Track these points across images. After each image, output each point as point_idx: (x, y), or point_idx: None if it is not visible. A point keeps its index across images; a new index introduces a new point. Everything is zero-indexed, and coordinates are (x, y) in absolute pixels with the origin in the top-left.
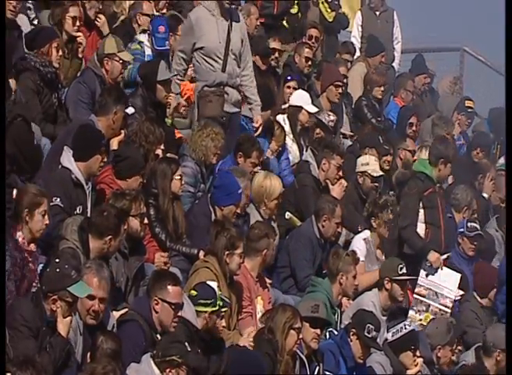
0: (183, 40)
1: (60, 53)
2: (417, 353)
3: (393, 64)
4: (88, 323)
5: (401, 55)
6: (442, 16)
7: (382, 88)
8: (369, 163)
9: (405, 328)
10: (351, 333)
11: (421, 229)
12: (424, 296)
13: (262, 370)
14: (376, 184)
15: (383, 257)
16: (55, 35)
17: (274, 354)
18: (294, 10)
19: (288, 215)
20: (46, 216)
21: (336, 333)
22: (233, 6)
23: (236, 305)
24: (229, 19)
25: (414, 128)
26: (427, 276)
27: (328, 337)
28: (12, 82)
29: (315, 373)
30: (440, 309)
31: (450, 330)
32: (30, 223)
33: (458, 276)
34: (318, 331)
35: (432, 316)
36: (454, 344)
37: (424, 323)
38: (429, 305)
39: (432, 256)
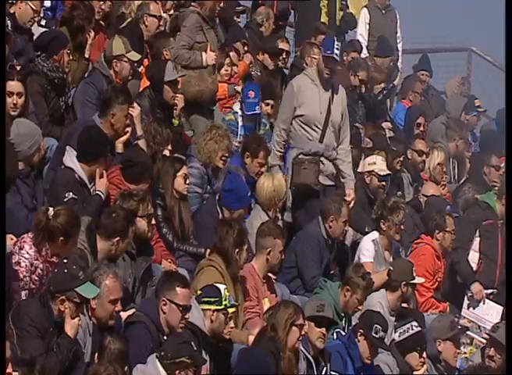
0: (285, 108)
1: (70, 57)
2: (424, 354)
3: (397, 63)
4: (109, 324)
5: (409, 56)
6: (449, 16)
7: (382, 85)
8: (376, 162)
9: (412, 329)
10: (358, 333)
11: (474, 257)
12: (467, 328)
13: (268, 370)
14: (383, 183)
15: (391, 259)
16: (67, 41)
17: (277, 352)
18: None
19: None
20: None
21: (343, 333)
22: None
23: (241, 303)
24: (331, 90)
25: (421, 128)
26: (468, 307)
27: (335, 337)
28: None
29: (323, 373)
30: (483, 343)
31: (453, 328)
32: (63, 248)
33: (500, 309)
34: (324, 330)
35: (475, 350)
36: (458, 344)
37: (469, 357)
38: (473, 338)
39: (475, 288)
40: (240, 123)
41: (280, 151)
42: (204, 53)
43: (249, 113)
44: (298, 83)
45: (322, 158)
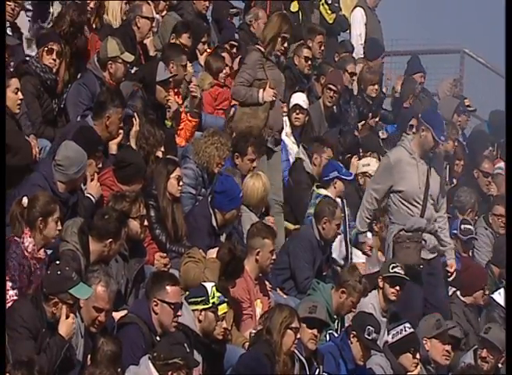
0: (380, 179)
1: (58, 58)
2: (417, 355)
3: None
4: (91, 331)
5: (401, 58)
6: (441, 18)
7: (376, 86)
8: (370, 164)
9: (405, 330)
10: (351, 335)
11: None
12: None
13: (265, 371)
14: None
15: (383, 259)
16: (49, 41)
17: (272, 355)
18: (294, 8)
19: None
20: (59, 223)
21: (336, 335)
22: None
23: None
24: (429, 162)
25: (413, 130)
26: None
27: (328, 339)
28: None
29: (315, 374)
30: None
31: (439, 326)
32: (45, 231)
33: None
34: (316, 332)
35: None
36: (446, 342)
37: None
38: None
39: None
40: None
41: (369, 218)
42: (261, 90)
43: (351, 178)
44: (396, 157)
45: (424, 234)
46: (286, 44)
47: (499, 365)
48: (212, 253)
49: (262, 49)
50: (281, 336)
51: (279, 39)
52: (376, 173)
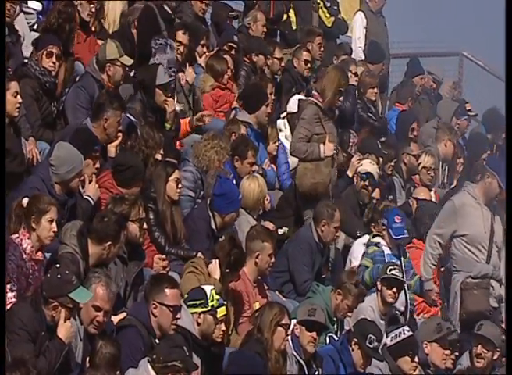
0: (444, 223)
1: (57, 61)
2: (416, 359)
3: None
4: (90, 332)
5: (400, 60)
6: (440, 21)
7: (376, 90)
8: (362, 164)
9: (404, 333)
10: (353, 342)
11: None
12: None
13: (257, 371)
14: (366, 183)
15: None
16: (48, 43)
17: (264, 353)
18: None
19: (283, 229)
20: (53, 224)
21: (336, 338)
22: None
23: (231, 308)
24: (493, 209)
25: (415, 133)
26: None
27: (328, 342)
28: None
29: None
30: None
31: (440, 330)
32: (37, 230)
33: None
34: (315, 334)
35: None
36: (446, 346)
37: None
38: None
39: None
40: (387, 251)
41: (434, 264)
42: (322, 145)
43: (398, 237)
44: (460, 201)
45: (491, 281)
46: (341, 98)
47: (497, 366)
48: (214, 270)
49: (318, 102)
50: (271, 333)
51: (336, 93)
52: (439, 217)
